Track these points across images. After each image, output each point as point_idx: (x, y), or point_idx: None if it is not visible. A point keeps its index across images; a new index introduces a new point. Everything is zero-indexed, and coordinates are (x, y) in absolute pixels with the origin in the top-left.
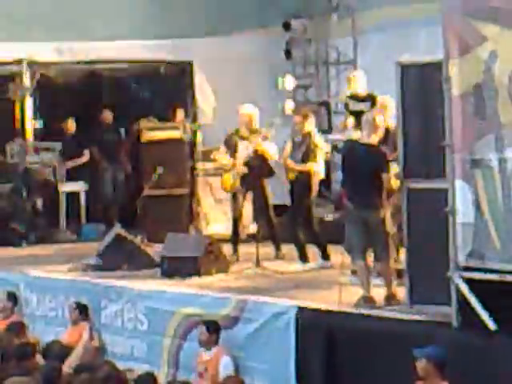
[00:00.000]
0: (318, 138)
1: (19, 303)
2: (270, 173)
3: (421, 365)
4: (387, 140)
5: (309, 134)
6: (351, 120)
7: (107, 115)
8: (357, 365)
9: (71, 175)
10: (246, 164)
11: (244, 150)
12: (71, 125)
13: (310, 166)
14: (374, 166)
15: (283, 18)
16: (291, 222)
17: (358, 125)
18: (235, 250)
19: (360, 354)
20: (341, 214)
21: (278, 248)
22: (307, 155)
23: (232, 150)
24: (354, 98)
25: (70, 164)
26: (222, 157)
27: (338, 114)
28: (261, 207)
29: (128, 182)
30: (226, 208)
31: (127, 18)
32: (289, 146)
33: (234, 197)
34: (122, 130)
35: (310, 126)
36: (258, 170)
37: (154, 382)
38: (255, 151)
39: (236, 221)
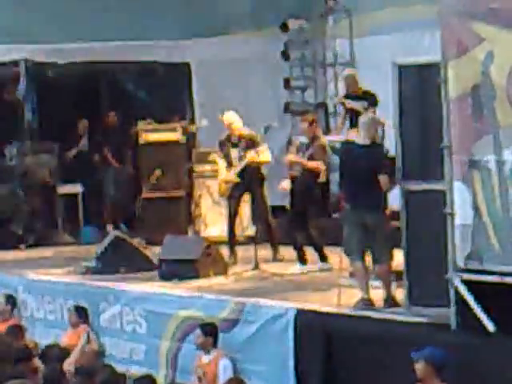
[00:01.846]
0: (325, 140)
1: (18, 306)
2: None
3: (419, 366)
4: None
5: (317, 137)
6: (347, 121)
7: (113, 117)
8: (355, 367)
9: (69, 176)
10: (241, 172)
11: (238, 160)
12: (85, 125)
13: (316, 164)
14: (371, 167)
15: (281, 19)
16: (289, 223)
17: (355, 125)
18: (232, 252)
19: (359, 356)
20: (339, 215)
21: (276, 250)
22: (313, 158)
23: (226, 156)
24: (351, 96)
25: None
26: (221, 167)
27: (336, 115)
28: (259, 209)
29: (131, 183)
30: (224, 210)
31: (125, 20)
32: (294, 148)
33: (230, 200)
34: None
35: (317, 129)
36: (252, 175)
37: None
38: (251, 162)
39: (232, 223)
